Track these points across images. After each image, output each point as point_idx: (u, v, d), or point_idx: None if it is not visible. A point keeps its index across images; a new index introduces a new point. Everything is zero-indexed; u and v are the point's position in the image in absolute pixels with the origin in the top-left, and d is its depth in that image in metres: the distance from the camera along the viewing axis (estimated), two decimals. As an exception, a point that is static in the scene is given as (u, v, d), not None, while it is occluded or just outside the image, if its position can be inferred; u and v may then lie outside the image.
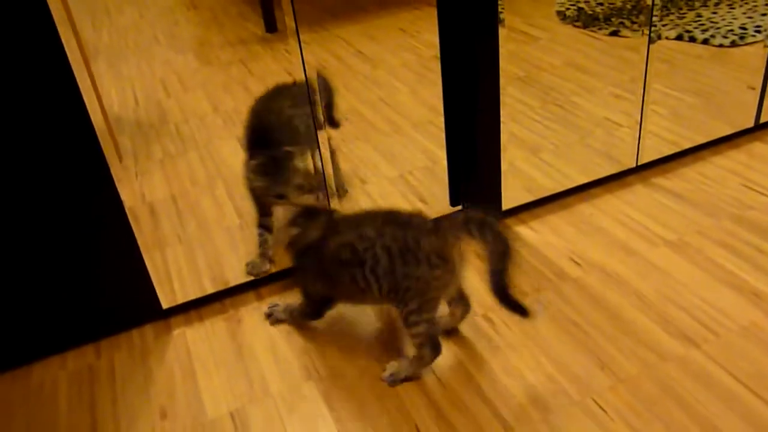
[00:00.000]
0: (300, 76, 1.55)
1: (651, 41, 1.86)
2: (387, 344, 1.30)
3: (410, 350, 1.24)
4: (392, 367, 1.22)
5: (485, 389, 1.18)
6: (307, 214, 1.28)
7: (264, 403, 1.20)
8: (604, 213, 1.58)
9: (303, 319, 1.36)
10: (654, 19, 2.00)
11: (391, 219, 1.17)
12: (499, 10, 1.46)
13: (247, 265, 1.48)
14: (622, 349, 1.23)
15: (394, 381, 1.21)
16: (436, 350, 1.19)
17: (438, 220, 1.17)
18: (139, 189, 1.80)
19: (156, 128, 2.00)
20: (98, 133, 1.54)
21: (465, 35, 1.45)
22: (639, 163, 1.70)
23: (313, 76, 1.58)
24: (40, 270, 1.29)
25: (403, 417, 1.14)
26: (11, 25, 1.09)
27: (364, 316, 1.37)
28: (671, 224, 1.52)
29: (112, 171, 1.34)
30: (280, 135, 1.46)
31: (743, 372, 1.15)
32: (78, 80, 1.23)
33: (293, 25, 1.63)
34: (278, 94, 1.53)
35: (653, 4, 1.71)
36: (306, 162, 1.56)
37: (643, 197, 1.62)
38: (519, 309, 1.13)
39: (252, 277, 1.48)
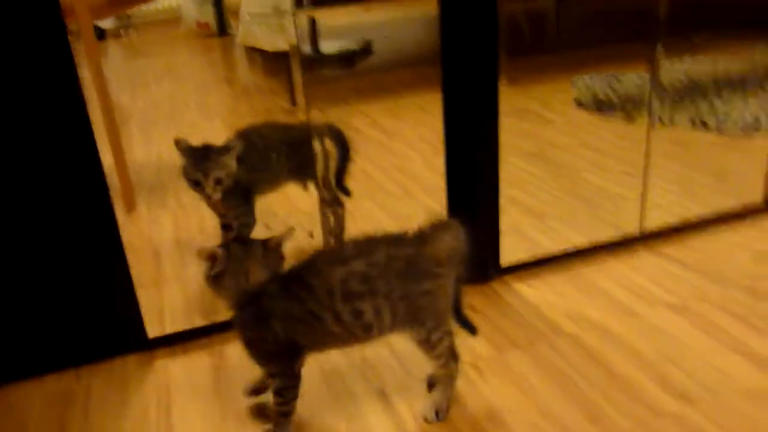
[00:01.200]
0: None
1: (663, 124, 1.90)
2: (371, 382, 1.25)
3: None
4: (431, 405, 1.16)
5: (467, 435, 1.12)
6: (242, 244, 1.09)
7: (236, 436, 1.15)
8: (606, 276, 1.55)
9: (291, 398, 1.12)
10: (667, 107, 2.04)
11: (387, 241, 1.09)
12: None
13: None
14: (615, 403, 1.16)
15: (443, 414, 1.16)
16: (458, 359, 1.16)
17: (419, 232, 1.11)
18: (148, 232, 1.83)
19: (174, 181, 2.06)
20: (114, 179, 1.59)
21: (465, 105, 1.48)
22: (643, 232, 1.68)
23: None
24: (27, 294, 1.29)
25: (376, 456, 1.08)
26: (38, 78, 1.16)
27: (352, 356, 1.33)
28: (675, 290, 1.47)
29: (118, 215, 1.34)
30: (252, 156, 1.48)
31: (743, 432, 1.07)
32: (101, 138, 1.28)
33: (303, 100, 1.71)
34: (276, 126, 1.57)
35: (651, 96, 1.75)
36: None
37: (647, 263, 1.59)
38: (468, 326, 1.17)
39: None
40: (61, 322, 1.33)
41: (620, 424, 1.11)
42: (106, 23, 2.35)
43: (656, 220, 1.70)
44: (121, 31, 2.38)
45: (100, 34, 2.32)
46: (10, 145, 1.18)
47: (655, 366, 1.24)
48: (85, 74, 1.77)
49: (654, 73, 1.74)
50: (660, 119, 1.85)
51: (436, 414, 1.15)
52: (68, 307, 1.33)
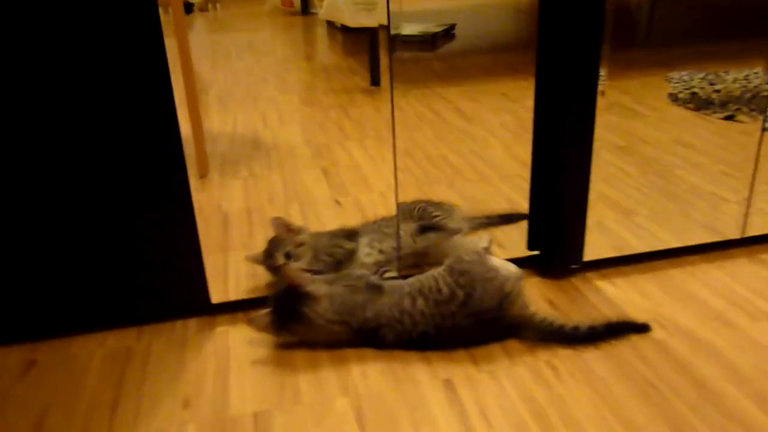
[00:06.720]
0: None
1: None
2: (437, 371, 1.18)
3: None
4: None
5: (537, 436, 1.03)
6: None
7: (292, 411, 1.11)
8: (700, 281, 1.42)
9: None
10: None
11: None
12: (601, 81, 1.42)
13: None
14: (706, 419, 1.05)
15: None
16: None
17: None
18: (218, 198, 1.81)
19: (247, 151, 2.04)
20: (189, 146, 1.57)
21: (561, 97, 1.41)
22: (744, 237, 1.54)
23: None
24: (96, 250, 1.28)
25: (438, 448, 1.01)
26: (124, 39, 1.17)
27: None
28: (779, 302, 1.34)
29: (191, 178, 1.33)
30: None
31: None
32: (181, 106, 1.29)
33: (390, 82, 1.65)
34: None
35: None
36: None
37: (747, 271, 1.45)
38: None
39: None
40: (128, 280, 1.32)
41: (711, 442, 1.00)
42: (195, -3, 2.37)
43: (760, 226, 1.56)
44: (209, 6, 2.40)
45: (188, 8, 2.34)
46: (98, 107, 1.19)
47: (754, 383, 1.12)
48: (171, 44, 1.78)
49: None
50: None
51: None
52: (135, 266, 1.31)
